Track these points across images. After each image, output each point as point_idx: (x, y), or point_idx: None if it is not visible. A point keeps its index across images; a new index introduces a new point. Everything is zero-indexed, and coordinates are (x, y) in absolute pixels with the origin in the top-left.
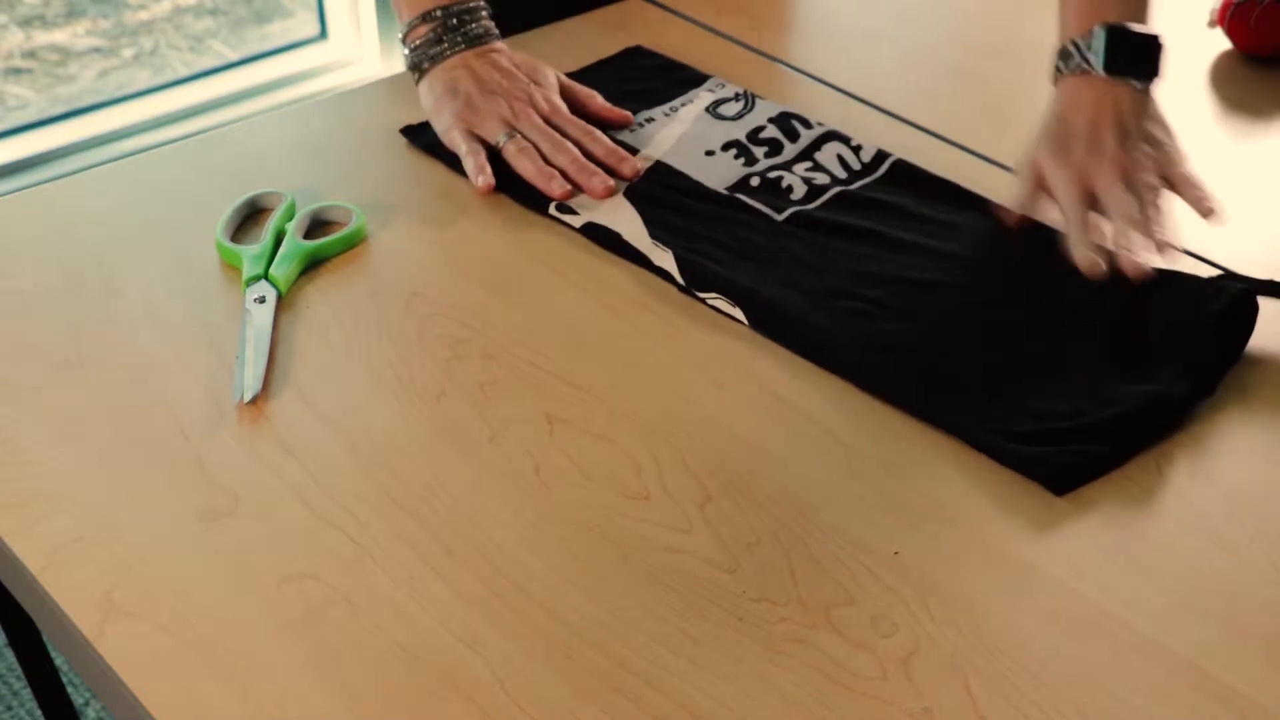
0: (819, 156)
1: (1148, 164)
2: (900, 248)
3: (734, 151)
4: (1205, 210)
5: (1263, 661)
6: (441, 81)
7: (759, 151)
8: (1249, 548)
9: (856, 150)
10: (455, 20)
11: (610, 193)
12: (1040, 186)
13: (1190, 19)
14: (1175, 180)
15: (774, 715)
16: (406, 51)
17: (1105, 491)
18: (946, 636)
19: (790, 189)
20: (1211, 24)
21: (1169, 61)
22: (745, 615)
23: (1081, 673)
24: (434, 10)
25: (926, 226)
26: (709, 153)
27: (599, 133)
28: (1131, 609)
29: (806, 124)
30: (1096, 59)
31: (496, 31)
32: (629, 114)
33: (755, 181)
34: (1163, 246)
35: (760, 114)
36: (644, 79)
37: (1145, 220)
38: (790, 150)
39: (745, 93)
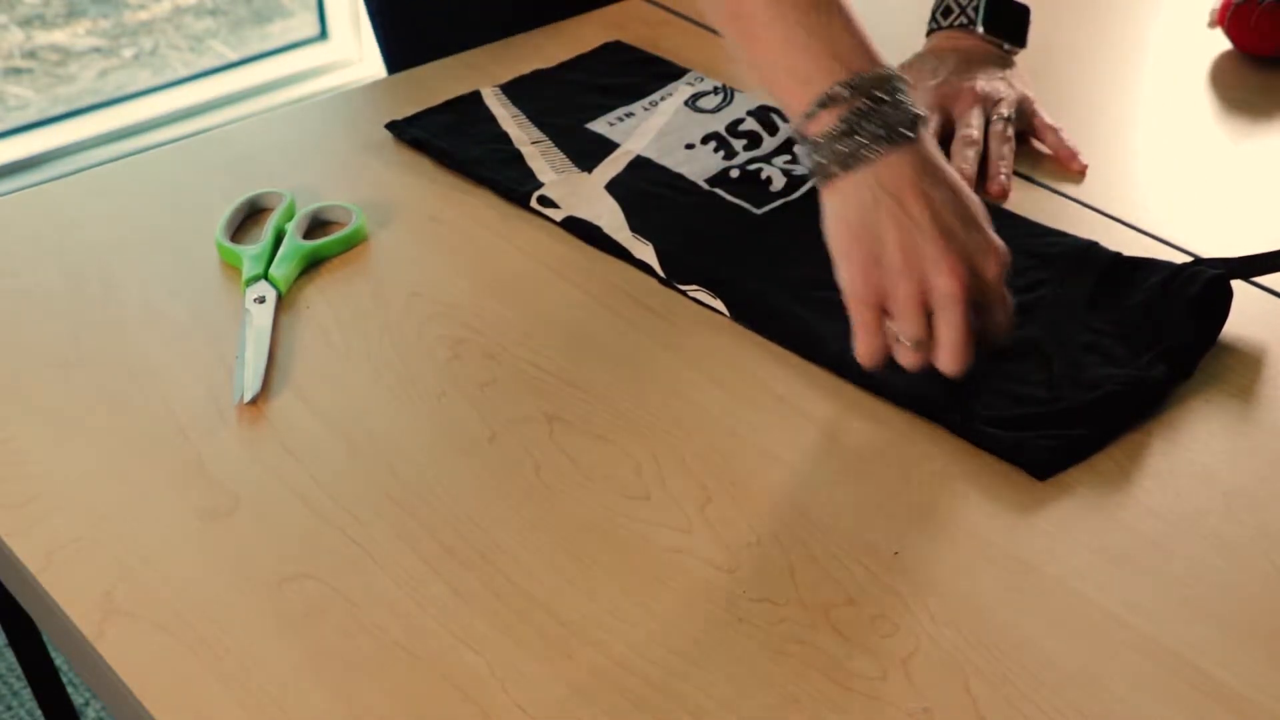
0: (798, 149)
1: (1008, 97)
2: None
3: (713, 144)
4: (1073, 162)
5: (1263, 661)
6: (854, 206)
7: (738, 144)
8: (1249, 548)
9: None
10: (869, 100)
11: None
12: None
13: (1190, 19)
14: (1035, 124)
15: (774, 715)
16: (807, 150)
17: (1105, 491)
18: (946, 636)
19: (769, 180)
20: (1211, 24)
21: (1033, 28)
22: (745, 615)
23: (1081, 673)
24: (838, 88)
25: None
26: (689, 145)
27: (1009, 302)
28: (1131, 609)
29: (785, 117)
30: (978, 16)
31: (923, 111)
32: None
33: (735, 174)
34: (997, 181)
35: (739, 107)
36: (623, 73)
37: (992, 155)
38: (769, 143)
39: (724, 86)
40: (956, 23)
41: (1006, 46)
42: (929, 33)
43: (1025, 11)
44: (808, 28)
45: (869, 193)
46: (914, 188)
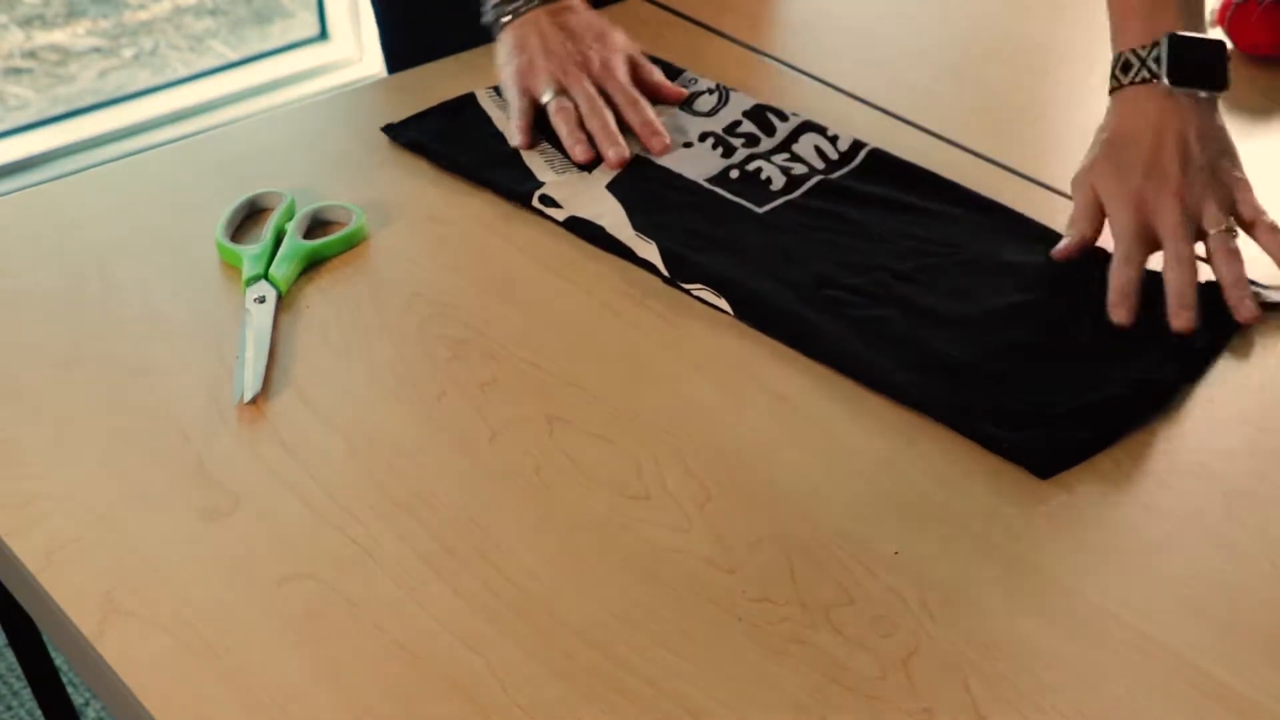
0: (796, 148)
1: (1214, 195)
2: (882, 236)
3: (711, 142)
4: None
5: (1263, 661)
6: (512, 39)
7: (737, 143)
8: (1249, 548)
9: (833, 140)
10: None
11: (622, 164)
12: (1096, 208)
13: None
14: (1249, 219)
15: (774, 715)
16: (487, 8)
17: (1105, 491)
18: (946, 636)
19: (769, 180)
20: (1211, 24)
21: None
22: (745, 615)
23: (1081, 673)
24: None
25: (907, 215)
26: (687, 144)
27: (643, 103)
28: (1131, 609)
29: (782, 116)
30: (1161, 69)
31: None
32: (683, 90)
33: (734, 174)
34: (1244, 308)
35: (735, 108)
36: None
37: (1224, 280)
38: (768, 143)
39: (719, 86)
40: (1138, 78)
41: (1204, 94)
42: (1111, 91)
43: (1219, 47)
44: None
45: (523, 28)
46: (552, 16)
